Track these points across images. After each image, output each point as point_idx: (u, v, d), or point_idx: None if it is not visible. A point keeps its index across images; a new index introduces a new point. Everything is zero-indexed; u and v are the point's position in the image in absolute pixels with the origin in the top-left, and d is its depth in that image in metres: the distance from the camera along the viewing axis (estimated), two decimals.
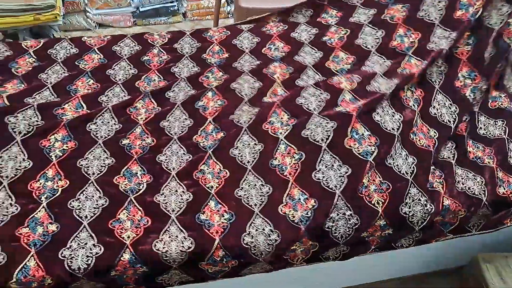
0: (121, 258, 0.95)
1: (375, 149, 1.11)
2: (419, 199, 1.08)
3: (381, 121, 1.18)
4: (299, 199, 1.04)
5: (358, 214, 1.03)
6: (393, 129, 1.17)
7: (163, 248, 0.97)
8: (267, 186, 1.08)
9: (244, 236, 0.99)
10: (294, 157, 1.12)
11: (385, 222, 1.05)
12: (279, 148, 1.14)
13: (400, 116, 1.21)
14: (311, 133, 1.16)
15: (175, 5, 2.95)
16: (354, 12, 1.58)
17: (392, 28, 1.47)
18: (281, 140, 1.15)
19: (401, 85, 1.25)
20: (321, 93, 1.28)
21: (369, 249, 1.14)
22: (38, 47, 1.41)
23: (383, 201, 1.05)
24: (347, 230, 1.03)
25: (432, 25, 1.42)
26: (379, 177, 1.09)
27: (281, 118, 1.21)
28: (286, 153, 1.13)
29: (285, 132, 1.17)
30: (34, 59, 1.37)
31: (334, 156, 1.11)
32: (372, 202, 1.05)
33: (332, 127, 1.16)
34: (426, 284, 1.60)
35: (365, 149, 1.12)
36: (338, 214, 1.03)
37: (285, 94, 1.29)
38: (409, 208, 1.06)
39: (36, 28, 2.30)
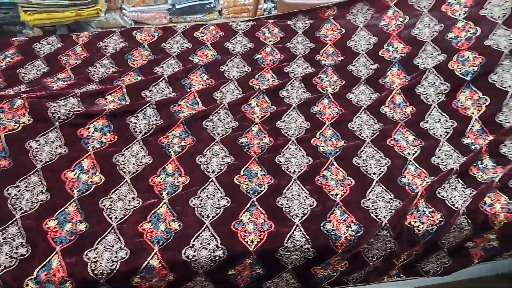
0: (243, 261, 0.90)
1: (498, 176, 1.03)
2: None
3: (508, 154, 1.09)
4: (424, 211, 0.97)
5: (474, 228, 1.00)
6: None
7: (285, 255, 0.92)
8: (396, 200, 0.99)
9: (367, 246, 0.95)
10: (426, 180, 1.04)
11: (495, 236, 1.01)
12: (408, 168, 1.07)
13: None
14: (442, 162, 1.08)
15: (211, 2, 2.89)
16: (486, 3, 1.34)
17: None
18: (410, 161, 1.08)
19: None
20: (447, 120, 1.18)
21: (471, 264, 1.08)
22: (152, 40, 1.41)
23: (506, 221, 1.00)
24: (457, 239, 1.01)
25: None
26: (504, 196, 1.00)
27: (407, 138, 1.14)
28: (416, 174, 1.05)
29: (413, 154, 1.10)
30: (149, 52, 1.36)
31: (460, 181, 1.04)
32: (496, 220, 0.99)
33: (459, 159, 1.09)
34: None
35: (490, 176, 1.03)
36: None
37: (407, 111, 1.21)
38: None
39: (74, 24, 2.32)
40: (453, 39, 1.31)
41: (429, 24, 1.38)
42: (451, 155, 1.10)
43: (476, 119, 1.16)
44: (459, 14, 1.35)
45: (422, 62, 1.31)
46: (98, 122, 1.09)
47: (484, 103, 1.18)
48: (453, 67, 1.25)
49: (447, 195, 1.00)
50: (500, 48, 1.23)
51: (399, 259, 1.02)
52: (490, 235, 1.01)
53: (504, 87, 1.18)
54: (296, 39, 1.45)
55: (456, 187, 1.02)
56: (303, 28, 1.49)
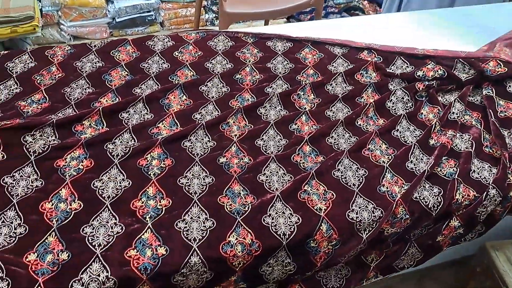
0: (229, 279, 0.94)
1: (456, 169, 1.14)
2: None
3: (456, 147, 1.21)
4: (401, 218, 1.03)
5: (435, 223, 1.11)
6: (466, 148, 1.21)
7: (268, 270, 0.96)
8: (379, 209, 1.03)
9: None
10: (403, 187, 1.08)
11: (459, 223, 1.11)
12: (385, 176, 1.11)
13: (469, 135, 1.25)
14: (415, 166, 1.14)
15: (152, 15, 2.90)
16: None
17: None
18: (386, 169, 1.12)
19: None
20: (415, 129, 1.26)
21: (440, 252, 1.17)
22: (130, 60, 1.40)
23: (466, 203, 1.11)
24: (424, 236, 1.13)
25: None
26: (473, 190, 1.10)
27: (380, 147, 1.19)
28: (393, 182, 1.10)
29: (388, 161, 1.15)
30: (127, 72, 1.35)
31: (427, 181, 1.11)
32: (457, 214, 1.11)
33: (428, 161, 1.16)
34: (430, 279, 1.65)
35: (449, 171, 1.13)
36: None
37: (380, 122, 1.29)
38: (484, 208, 1.11)
39: (8, 42, 2.24)
40: (421, 77, 1.43)
41: (402, 66, 1.50)
42: (422, 159, 1.16)
43: (437, 122, 1.26)
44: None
45: (393, 87, 1.41)
46: (75, 152, 1.07)
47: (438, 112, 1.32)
48: (419, 87, 1.38)
49: (420, 196, 1.07)
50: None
51: (371, 258, 1.11)
52: (454, 223, 1.10)
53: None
54: (276, 59, 1.48)
55: (424, 187, 1.09)
56: (283, 50, 1.52)
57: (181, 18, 3.04)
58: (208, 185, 1.04)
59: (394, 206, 1.02)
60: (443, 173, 1.13)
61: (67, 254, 0.87)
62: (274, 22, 3.22)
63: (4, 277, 0.82)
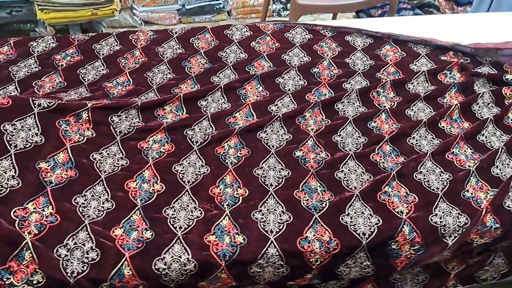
0: (305, 276, 0.92)
1: None
2: None
3: None
4: (491, 226, 0.96)
5: None
6: None
7: (345, 271, 0.94)
8: (463, 215, 0.97)
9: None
10: (489, 193, 1.02)
11: None
12: (470, 181, 1.05)
13: None
14: (501, 171, 1.08)
15: (220, 3, 2.92)
16: None
17: None
18: (472, 174, 1.06)
19: None
20: (501, 135, 1.19)
21: None
22: (209, 48, 1.42)
23: None
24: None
25: None
26: None
27: (464, 151, 1.13)
28: (478, 188, 1.04)
29: (473, 166, 1.08)
30: (205, 60, 1.37)
31: None
32: None
33: None
34: None
35: None
36: None
37: (465, 126, 1.22)
38: None
39: (86, 24, 2.31)
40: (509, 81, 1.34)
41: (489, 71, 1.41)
42: (508, 164, 1.09)
43: None
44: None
45: (478, 89, 1.33)
46: (157, 135, 1.11)
47: None
48: (505, 93, 1.30)
49: None
50: None
51: (451, 266, 1.06)
52: None
53: None
54: (355, 54, 1.44)
55: None
56: (362, 45, 1.48)
57: (248, 7, 3.06)
58: (284, 178, 1.04)
59: (483, 213, 0.96)
60: None
61: (151, 233, 0.90)
62: (342, 16, 3.14)
63: (94, 247, 0.86)
